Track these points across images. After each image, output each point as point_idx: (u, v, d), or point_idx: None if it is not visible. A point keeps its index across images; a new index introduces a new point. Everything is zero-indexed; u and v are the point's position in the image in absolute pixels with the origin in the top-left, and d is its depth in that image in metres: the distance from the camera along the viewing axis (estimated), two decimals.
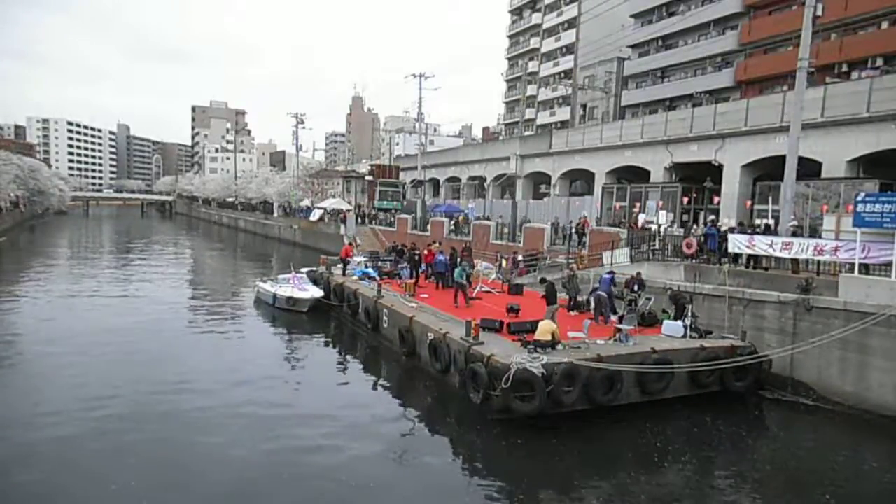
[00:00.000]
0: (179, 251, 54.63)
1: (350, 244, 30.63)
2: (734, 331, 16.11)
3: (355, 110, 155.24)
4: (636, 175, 35.71)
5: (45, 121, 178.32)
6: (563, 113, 62.48)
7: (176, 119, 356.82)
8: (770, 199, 23.57)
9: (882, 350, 13.62)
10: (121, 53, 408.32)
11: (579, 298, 19.35)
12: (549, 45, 65.54)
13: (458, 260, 22.78)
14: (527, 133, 60.15)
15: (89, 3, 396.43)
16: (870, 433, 13.50)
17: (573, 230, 26.58)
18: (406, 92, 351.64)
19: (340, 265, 26.84)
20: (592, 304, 18.06)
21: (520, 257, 25.99)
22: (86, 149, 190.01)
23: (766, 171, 27.68)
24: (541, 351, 13.35)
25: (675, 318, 16.29)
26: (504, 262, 25.98)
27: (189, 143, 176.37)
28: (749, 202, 27.02)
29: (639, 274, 18.70)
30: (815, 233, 20.00)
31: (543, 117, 66.08)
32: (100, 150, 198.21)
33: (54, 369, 15.93)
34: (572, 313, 18.62)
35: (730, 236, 19.67)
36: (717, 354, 14.64)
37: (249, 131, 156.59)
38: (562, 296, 19.50)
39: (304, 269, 27.68)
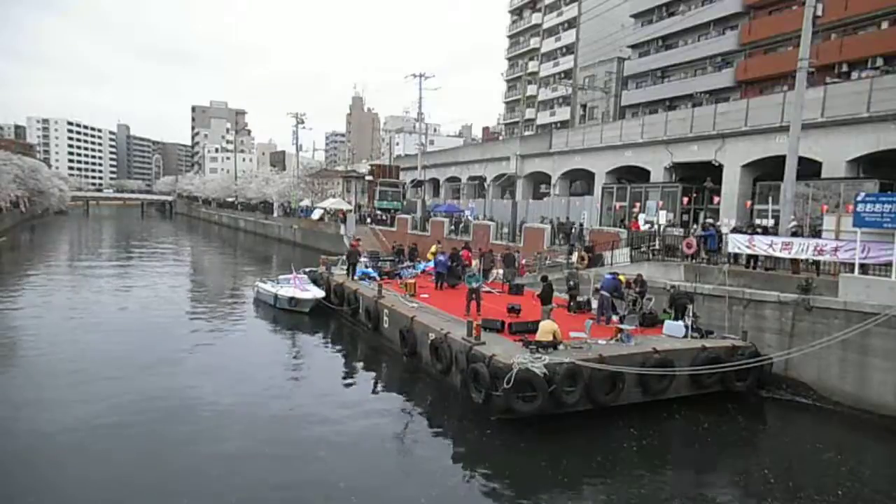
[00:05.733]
0: (179, 251, 54.66)
1: (358, 240, 30.73)
2: (734, 331, 16.14)
3: (355, 110, 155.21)
4: (636, 175, 35.73)
5: (45, 121, 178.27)
6: (563, 113, 62.49)
7: (176, 119, 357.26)
8: (770, 199, 23.61)
9: (882, 350, 13.65)
10: (121, 54, 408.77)
11: (579, 298, 19.40)
12: (549, 45, 65.54)
13: (466, 265, 22.82)
14: (527, 133, 60.19)
15: (90, 3, 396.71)
16: (870, 433, 13.54)
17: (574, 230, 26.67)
18: (406, 92, 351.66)
19: (346, 262, 26.61)
20: (595, 304, 18.09)
21: (523, 259, 25.87)
22: (86, 149, 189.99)
23: (766, 171, 27.70)
24: (542, 351, 13.39)
25: (676, 318, 16.34)
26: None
27: (189, 143, 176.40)
28: (749, 202, 27.06)
29: (640, 275, 18.73)
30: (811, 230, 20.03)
31: (543, 117, 66.08)
32: (100, 150, 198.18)
33: (54, 370, 15.94)
34: (572, 313, 18.65)
35: (730, 236, 19.73)
36: (719, 355, 14.69)
37: (249, 131, 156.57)
38: (562, 296, 19.59)
39: (306, 270, 27.71)
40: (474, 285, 18.60)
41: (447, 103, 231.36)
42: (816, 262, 17.38)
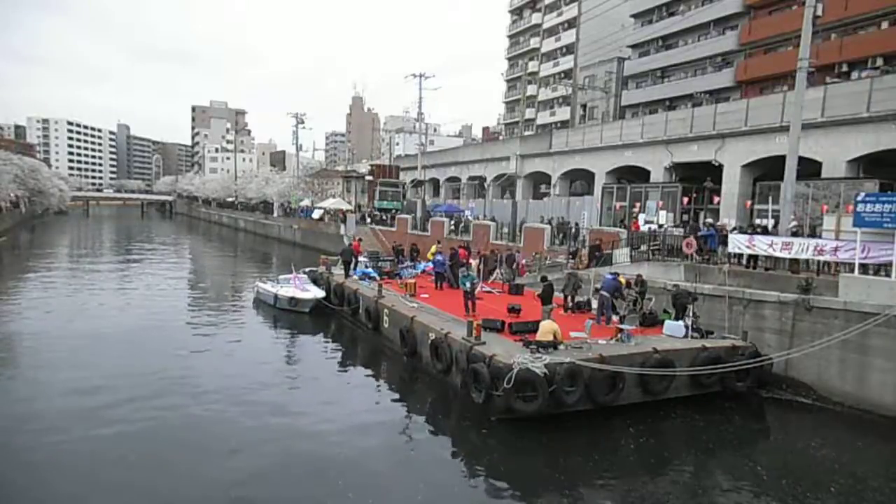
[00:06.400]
0: (179, 251, 54.65)
1: (360, 240, 30.74)
2: (734, 331, 16.15)
3: (355, 110, 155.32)
4: (636, 175, 35.76)
5: (45, 121, 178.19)
6: (563, 113, 62.50)
7: (176, 119, 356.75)
8: (770, 199, 23.61)
9: (882, 350, 13.66)
10: (121, 53, 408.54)
11: (578, 299, 19.38)
12: (549, 45, 65.57)
13: (464, 264, 22.74)
14: (527, 133, 60.24)
15: (90, 4, 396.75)
16: (870, 433, 13.55)
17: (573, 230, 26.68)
18: (406, 92, 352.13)
19: (341, 261, 26.62)
20: (595, 304, 18.09)
21: (523, 260, 25.83)
22: (86, 149, 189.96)
23: (766, 171, 27.72)
24: (543, 351, 13.40)
25: (676, 318, 16.35)
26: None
27: (189, 143, 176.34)
28: (749, 202, 27.07)
29: (639, 275, 18.73)
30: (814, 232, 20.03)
31: (543, 117, 66.10)
32: (100, 150, 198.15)
33: (54, 371, 15.92)
34: (567, 313, 18.60)
35: (730, 236, 19.73)
36: (719, 355, 14.69)
37: (249, 131, 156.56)
38: (560, 296, 19.54)
39: (306, 270, 27.72)
40: (468, 286, 18.32)
41: (447, 103, 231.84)
42: (817, 262, 17.39)
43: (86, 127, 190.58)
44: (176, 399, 14.07)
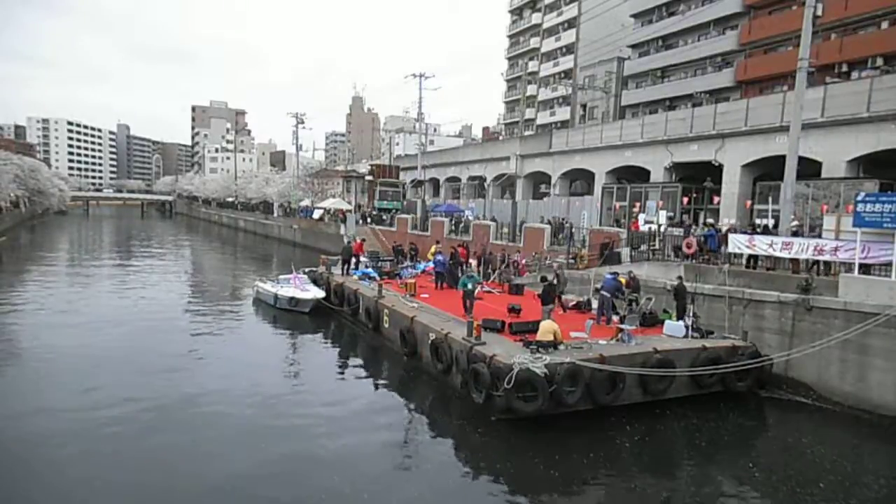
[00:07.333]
0: (179, 251, 54.63)
1: (363, 240, 30.79)
2: (734, 330, 16.15)
3: (355, 110, 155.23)
4: (636, 175, 35.76)
5: (45, 121, 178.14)
6: (563, 113, 62.48)
7: (176, 119, 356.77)
8: (770, 199, 23.62)
9: (882, 350, 13.66)
10: (121, 53, 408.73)
11: (578, 299, 19.38)
12: (549, 45, 65.55)
13: (462, 263, 22.79)
14: (527, 133, 60.21)
15: (90, 4, 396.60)
16: (870, 433, 13.55)
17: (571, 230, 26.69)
18: (406, 92, 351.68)
19: (340, 259, 26.69)
20: (595, 304, 18.10)
21: (523, 260, 25.83)
22: (86, 149, 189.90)
23: (766, 171, 27.73)
24: (543, 351, 13.40)
25: (677, 318, 16.35)
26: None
27: (189, 143, 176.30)
28: (749, 202, 27.07)
29: (630, 272, 18.72)
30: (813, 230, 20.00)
31: (543, 117, 66.08)
32: (100, 150, 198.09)
33: (54, 372, 15.95)
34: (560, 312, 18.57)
35: (730, 236, 19.71)
36: (719, 355, 14.71)
37: (249, 131, 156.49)
38: None
39: (306, 270, 27.72)
40: (469, 286, 18.15)
41: (447, 103, 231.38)
42: (816, 262, 17.39)
43: (86, 127, 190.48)
44: (176, 401, 14.07)
